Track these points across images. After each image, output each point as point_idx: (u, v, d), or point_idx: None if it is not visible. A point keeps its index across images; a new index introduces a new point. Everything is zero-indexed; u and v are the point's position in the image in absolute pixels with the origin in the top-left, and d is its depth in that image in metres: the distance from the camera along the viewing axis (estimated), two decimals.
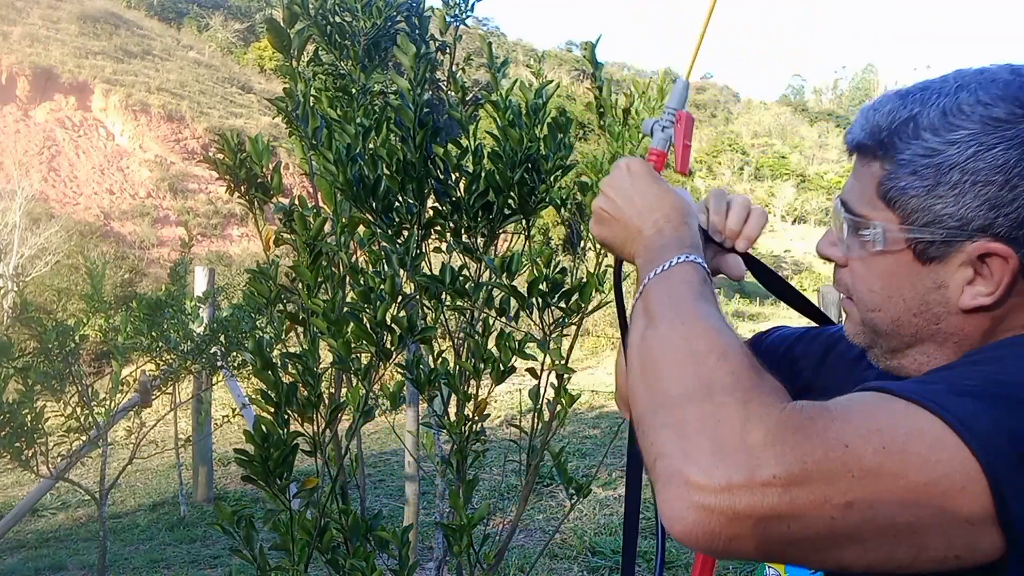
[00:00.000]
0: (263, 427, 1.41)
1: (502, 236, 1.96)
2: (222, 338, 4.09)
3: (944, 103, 0.68)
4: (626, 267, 0.96)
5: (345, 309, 1.49)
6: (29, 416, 3.00)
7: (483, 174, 1.81)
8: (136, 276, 22.71)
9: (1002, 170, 0.65)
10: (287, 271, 1.56)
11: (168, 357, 4.07)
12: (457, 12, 2.00)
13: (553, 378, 1.92)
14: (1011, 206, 0.65)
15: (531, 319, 1.85)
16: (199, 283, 6.02)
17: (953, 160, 0.66)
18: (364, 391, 1.54)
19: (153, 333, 3.89)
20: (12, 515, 3.99)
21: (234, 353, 4.16)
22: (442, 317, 1.86)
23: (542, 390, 1.92)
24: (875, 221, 0.72)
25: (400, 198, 1.74)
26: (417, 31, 1.99)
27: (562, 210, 1.96)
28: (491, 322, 1.89)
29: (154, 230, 27.54)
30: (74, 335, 3.34)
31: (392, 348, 1.59)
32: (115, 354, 3.79)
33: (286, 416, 1.46)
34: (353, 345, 1.51)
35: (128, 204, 28.62)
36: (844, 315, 0.83)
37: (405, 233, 1.75)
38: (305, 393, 1.49)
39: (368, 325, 1.53)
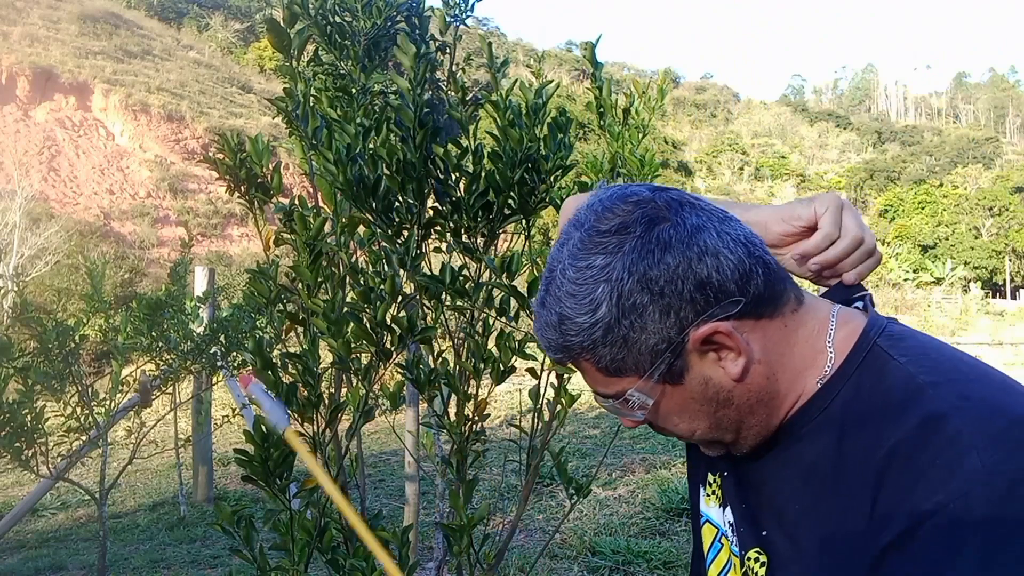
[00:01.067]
0: (263, 427, 1.41)
1: (502, 236, 1.96)
2: (222, 338, 4.09)
3: (562, 292, 0.75)
4: None
5: (345, 309, 1.49)
6: (29, 416, 3.00)
7: (483, 174, 1.81)
8: (136, 276, 22.72)
9: (644, 290, 0.72)
10: (287, 271, 1.56)
11: (168, 357, 4.07)
12: (457, 12, 2.00)
13: (553, 378, 1.92)
14: (678, 301, 0.72)
15: (531, 319, 1.85)
16: (199, 283, 6.02)
17: (612, 317, 0.73)
18: (364, 391, 1.54)
19: (153, 333, 3.89)
20: (12, 515, 3.99)
21: (234, 353, 4.16)
22: (442, 317, 1.86)
23: (542, 390, 1.92)
24: (626, 391, 0.77)
25: (400, 198, 1.74)
26: (417, 31, 1.99)
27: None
28: (491, 322, 1.88)
29: (154, 230, 27.56)
30: (74, 335, 3.34)
31: (392, 348, 1.59)
32: (115, 354, 3.79)
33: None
34: (353, 345, 1.51)
35: (128, 204, 28.63)
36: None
37: (405, 233, 1.75)
38: (305, 393, 1.49)
39: (368, 325, 1.53)
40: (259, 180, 1.72)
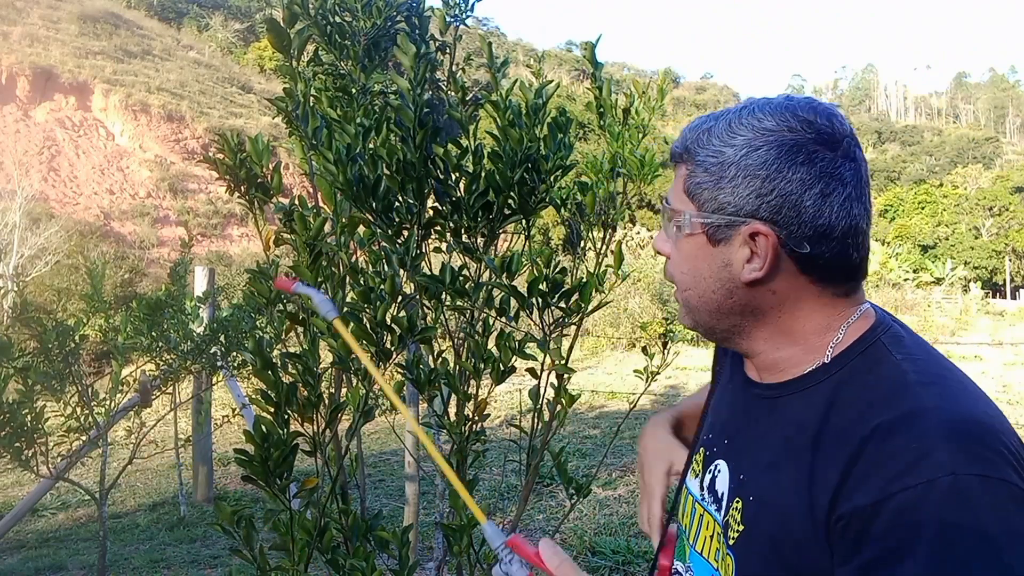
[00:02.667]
0: (263, 427, 1.41)
1: (502, 236, 1.96)
2: (222, 338, 4.09)
3: (730, 117, 0.86)
4: None
5: (345, 309, 1.49)
6: (29, 416, 3.00)
7: (483, 174, 1.81)
8: (136, 276, 22.72)
9: (764, 166, 0.82)
10: (287, 271, 1.56)
11: (168, 357, 4.07)
12: (457, 12, 2.00)
13: (553, 378, 1.92)
14: (771, 195, 0.82)
15: (531, 319, 1.85)
16: (199, 283, 6.02)
17: (731, 159, 0.84)
18: (364, 391, 1.54)
19: (153, 333, 3.89)
20: (12, 515, 3.99)
21: (234, 353, 4.16)
22: (442, 317, 1.85)
23: (542, 390, 1.91)
24: (683, 211, 0.88)
25: (400, 198, 1.74)
26: (417, 31, 1.99)
27: (562, 210, 1.96)
28: (491, 322, 1.88)
29: (154, 230, 27.56)
30: (74, 335, 3.34)
31: (392, 348, 1.58)
32: (115, 354, 3.79)
33: (286, 416, 1.46)
34: None
35: (128, 204, 28.62)
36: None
37: (405, 233, 1.75)
38: (305, 393, 1.49)
39: (368, 325, 1.53)
40: (259, 180, 1.71)
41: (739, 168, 0.83)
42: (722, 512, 0.92)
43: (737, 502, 0.89)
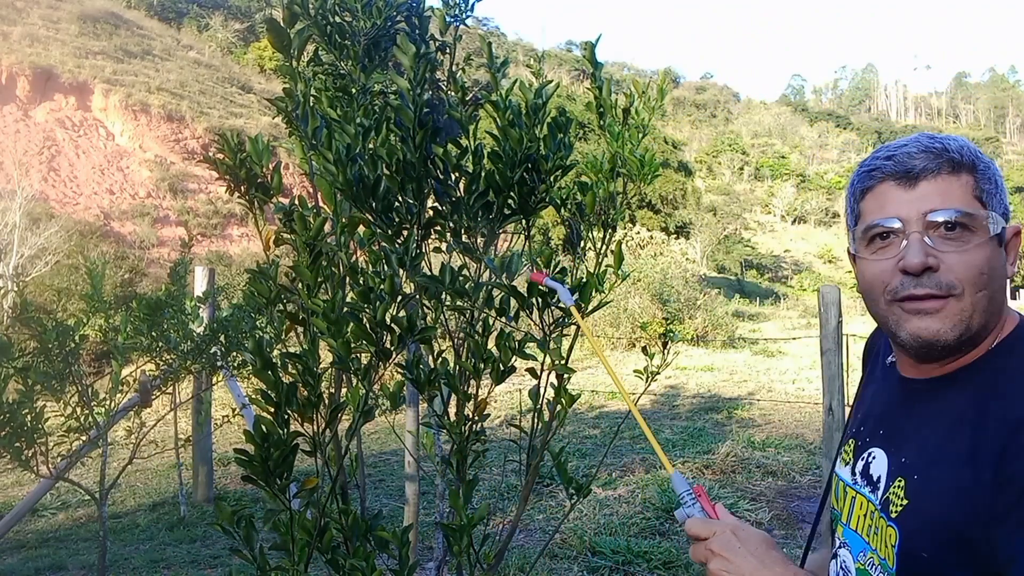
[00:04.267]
0: (263, 427, 1.41)
1: (502, 236, 1.96)
2: (222, 338, 4.08)
3: (962, 138, 1.00)
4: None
5: (345, 309, 1.49)
6: (29, 416, 3.00)
7: (483, 174, 1.81)
8: (136, 276, 22.71)
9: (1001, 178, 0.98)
10: (287, 271, 1.56)
11: (168, 357, 4.07)
12: (457, 12, 2.00)
13: (553, 378, 1.92)
14: (1007, 201, 1.00)
15: (531, 319, 1.85)
16: (199, 283, 6.02)
17: (997, 172, 0.98)
18: (364, 391, 1.54)
19: (153, 333, 3.89)
20: (12, 515, 3.99)
21: (234, 353, 4.16)
22: (442, 317, 1.85)
23: (542, 390, 1.91)
24: (989, 213, 0.96)
25: (400, 198, 1.74)
26: (417, 31, 1.99)
27: (562, 210, 1.96)
28: (491, 322, 1.88)
29: (154, 230, 27.54)
30: (74, 335, 3.34)
31: (392, 348, 1.58)
32: (115, 354, 3.79)
33: (286, 416, 1.46)
34: (353, 345, 1.51)
35: (128, 204, 28.61)
36: (915, 319, 0.98)
37: (405, 233, 1.75)
38: (305, 393, 1.49)
39: (368, 325, 1.53)
40: (259, 180, 1.71)
41: (1001, 179, 0.98)
42: (880, 492, 1.03)
43: (900, 481, 0.99)
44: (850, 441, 1.16)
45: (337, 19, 1.92)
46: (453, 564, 1.86)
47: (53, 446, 3.23)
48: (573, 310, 1.28)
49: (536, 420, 1.96)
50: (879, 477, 1.04)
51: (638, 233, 27.24)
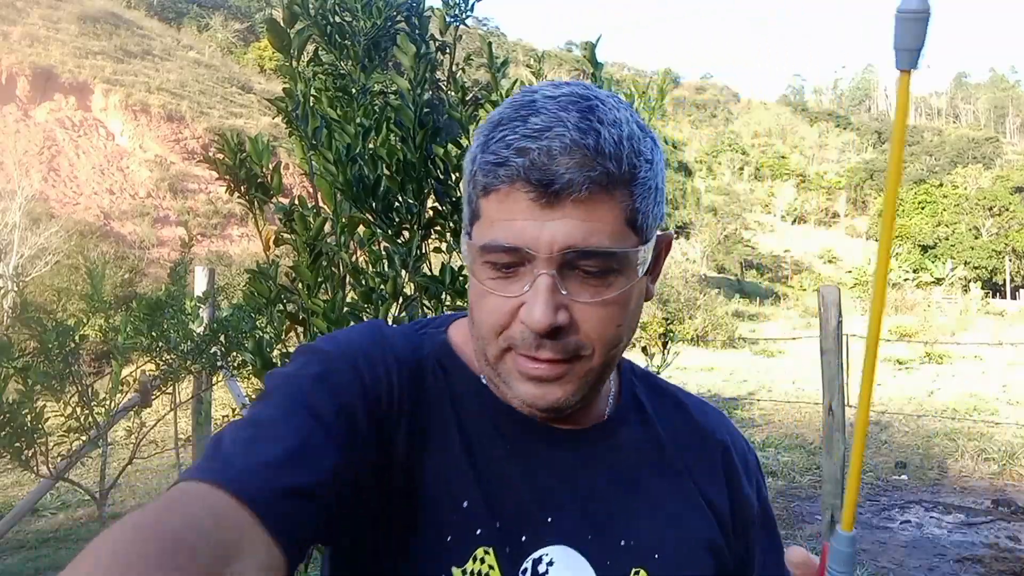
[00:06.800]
0: None
1: None
2: (222, 338, 4.09)
3: (630, 115, 0.68)
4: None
5: (345, 309, 1.49)
6: (29, 416, 3.00)
7: None
8: (136, 276, 22.73)
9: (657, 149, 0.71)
10: (287, 271, 1.56)
11: (168, 357, 4.07)
12: (457, 12, 2.00)
13: None
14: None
15: None
16: (199, 283, 6.02)
17: (656, 174, 0.69)
18: None
19: (153, 333, 3.89)
20: (12, 515, 3.99)
21: (234, 353, 4.16)
22: None
23: None
24: (634, 249, 0.68)
25: (400, 198, 1.74)
26: (417, 31, 1.99)
27: None
28: None
29: (154, 230, 27.58)
30: (74, 335, 3.34)
31: None
32: (115, 354, 3.79)
33: None
34: None
35: (128, 204, 28.65)
36: (531, 385, 0.70)
37: (406, 234, 1.75)
38: None
39: None
40: (259, 180, 1.71)
41: (662, 176, 0.71)
42: None
43: (636, 572, 0.72)
44: (481, 552, 0.69)
45: (337, 19, 1.92)
46: None
47: (53, 446, 3.23)
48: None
49: None
50: None
51: None
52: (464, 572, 0.68)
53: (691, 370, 13.44)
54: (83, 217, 26.13)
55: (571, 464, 0.75)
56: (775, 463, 6.98)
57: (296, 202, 1.54)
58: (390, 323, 1.59)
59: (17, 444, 2.97)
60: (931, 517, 6.05)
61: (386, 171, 1.68)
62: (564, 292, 0.66)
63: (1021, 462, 7.39)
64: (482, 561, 0.69)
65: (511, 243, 0.66)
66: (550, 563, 0.70)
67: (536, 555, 0.70)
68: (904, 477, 7.03)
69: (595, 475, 0.75)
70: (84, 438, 3.43)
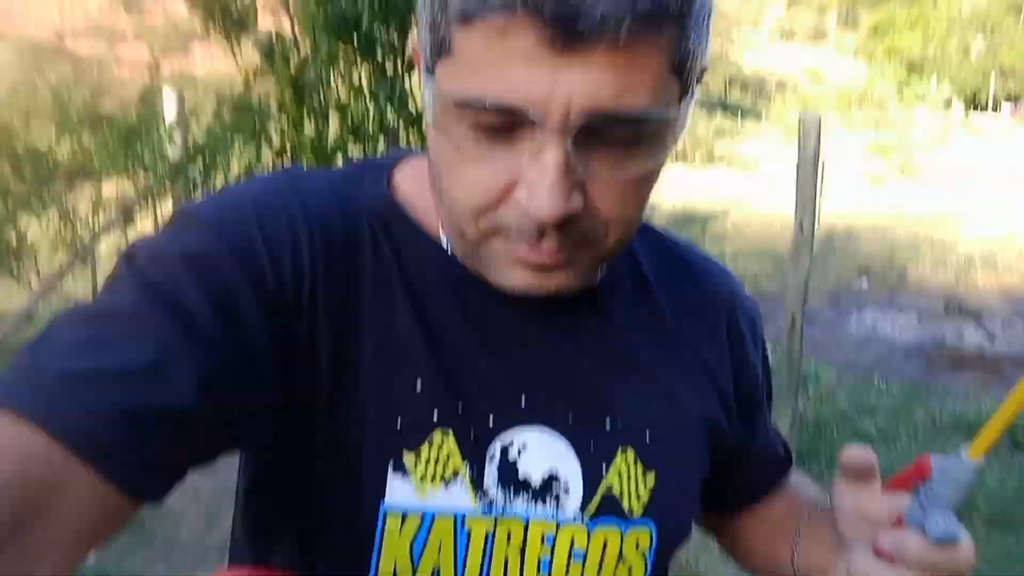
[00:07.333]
0: None
1: None
2: (199, 160, 4.06)
3: None
4: None
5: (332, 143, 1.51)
6: (14, 234, 3.04)
7: None
8: (99, 96, 21.87)
9: None
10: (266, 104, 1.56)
11: (145, 178, 4.06)
12: None
13: None
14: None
15: None
16: (168, 105, 5.85)
17: (710, 3, 0.48)
18: None
19: (128, 156, 3.86)
20: (10, 324, 4.12)
21: (212, 173, 4.15)
22: None
23: None
24: (676, 107, 0.50)
25: (383, 32, 1.70)
26: None
27: None
28: None
29: (111, 50, 26.19)
30: (47, 160, 3.33)
31: None
32: (92, 175, 3.77)
33: None
34: None
35: (81, 23, 26.99)
36: (525, 272, 0.53)
37: (389, 69, 1.74)
38: None
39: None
40: (235, 16, 1.67)
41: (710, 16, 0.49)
42: (579, 495, 0.58)
43: (624, 453, 0.60)
44: (438, 435, 0.56)
45: None
46: None
47: (43, 262, 3.29)
48: None
49: None
50: (553, 472, 0.58)
51: None
52: (417, 456, 0.55)
53: (669, 186, 13.50)
54: (34, 35, 24.69)
55: (552, 338, 0.60)
56: (743, 271, 7.23)
57: (274, 38, 1.51)
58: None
59: (6, 260, 3.03)
60: (886, 318, 6.43)
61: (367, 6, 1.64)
62: (582, 169, 0.48)
63: (977, 269, 7.73)
64: (439, 447, 0.56)
65: (507, 102, 0.45)
66: (523, 446, 0.57)
67: (507, 439, 0.57)
68: (864, 283, 7.33)
69: (579, 349, 0.61)
70: (70, 255, 3.49)
